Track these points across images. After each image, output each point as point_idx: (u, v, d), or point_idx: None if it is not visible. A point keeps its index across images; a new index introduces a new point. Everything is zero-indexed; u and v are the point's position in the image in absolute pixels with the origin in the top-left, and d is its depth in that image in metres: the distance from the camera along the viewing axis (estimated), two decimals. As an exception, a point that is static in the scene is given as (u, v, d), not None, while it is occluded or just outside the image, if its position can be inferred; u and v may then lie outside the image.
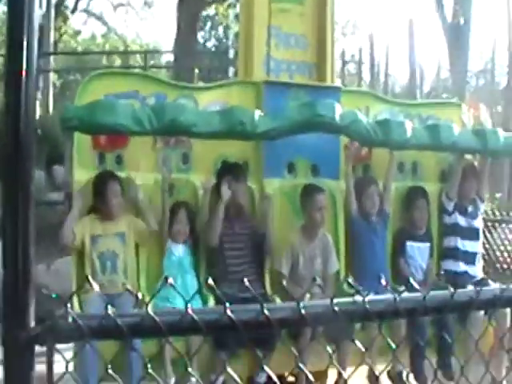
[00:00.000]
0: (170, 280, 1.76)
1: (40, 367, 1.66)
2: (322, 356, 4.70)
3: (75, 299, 5.14)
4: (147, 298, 5.19)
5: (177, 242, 5.54)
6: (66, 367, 1.69)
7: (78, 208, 5.31)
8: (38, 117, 19.53)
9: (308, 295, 5.30)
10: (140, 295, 2.27)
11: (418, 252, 6.21)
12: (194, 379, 5.01)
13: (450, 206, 6.36)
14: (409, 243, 6.21)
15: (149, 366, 1.81)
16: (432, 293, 2.05)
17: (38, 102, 21.08)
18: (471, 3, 21.19)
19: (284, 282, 5.66)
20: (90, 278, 1.66)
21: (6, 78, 1.59)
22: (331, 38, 6.20)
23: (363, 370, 5.44)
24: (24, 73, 1.58)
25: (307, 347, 5.18)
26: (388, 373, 5.69)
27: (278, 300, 5.33)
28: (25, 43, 1.58)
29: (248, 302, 1.94)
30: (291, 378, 5.70)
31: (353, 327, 5.16)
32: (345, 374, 5.33)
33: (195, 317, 1.70)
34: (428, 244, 6.29)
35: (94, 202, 5.43)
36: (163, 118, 4.98)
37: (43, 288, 9.67)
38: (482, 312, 5.19)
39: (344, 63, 21.07)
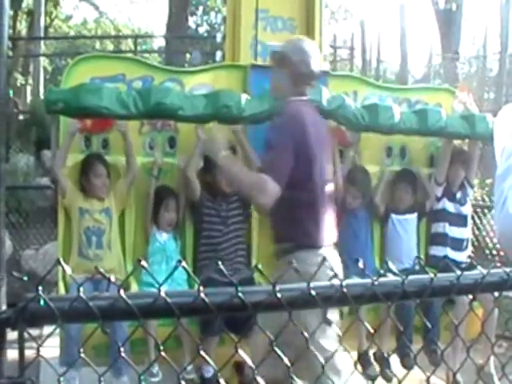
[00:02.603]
0: (143, 263, 1.73)
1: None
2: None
3: (61, 283, 5.13)
4: (133, 283, 5.18)
5: (163, 229, 5.54)
6: (38, 351, 1.67)
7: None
8: (28, 101, 19.51)
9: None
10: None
11: (405, 223, 6.20)
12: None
13: (439, 192, 6.33)
14: (394, 216, 6.22)
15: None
16: (411, 277, 2.03)
17: (28, 87, 21.07)
18: (464, -12, 21.12)
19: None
20: (61, 260, 1.62)
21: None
22: (319, 21, 6.14)
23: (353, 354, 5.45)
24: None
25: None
26: (374, 355, 5.72)
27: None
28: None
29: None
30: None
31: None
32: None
33: (168, 299, 1.68)
34: (414, 214, 6.29)
35: (81, 181, 5.47)
36: (149, 101, 4.95)
37: (25, 272, 9.64)
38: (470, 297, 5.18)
39: (335, 49, 20.98)
